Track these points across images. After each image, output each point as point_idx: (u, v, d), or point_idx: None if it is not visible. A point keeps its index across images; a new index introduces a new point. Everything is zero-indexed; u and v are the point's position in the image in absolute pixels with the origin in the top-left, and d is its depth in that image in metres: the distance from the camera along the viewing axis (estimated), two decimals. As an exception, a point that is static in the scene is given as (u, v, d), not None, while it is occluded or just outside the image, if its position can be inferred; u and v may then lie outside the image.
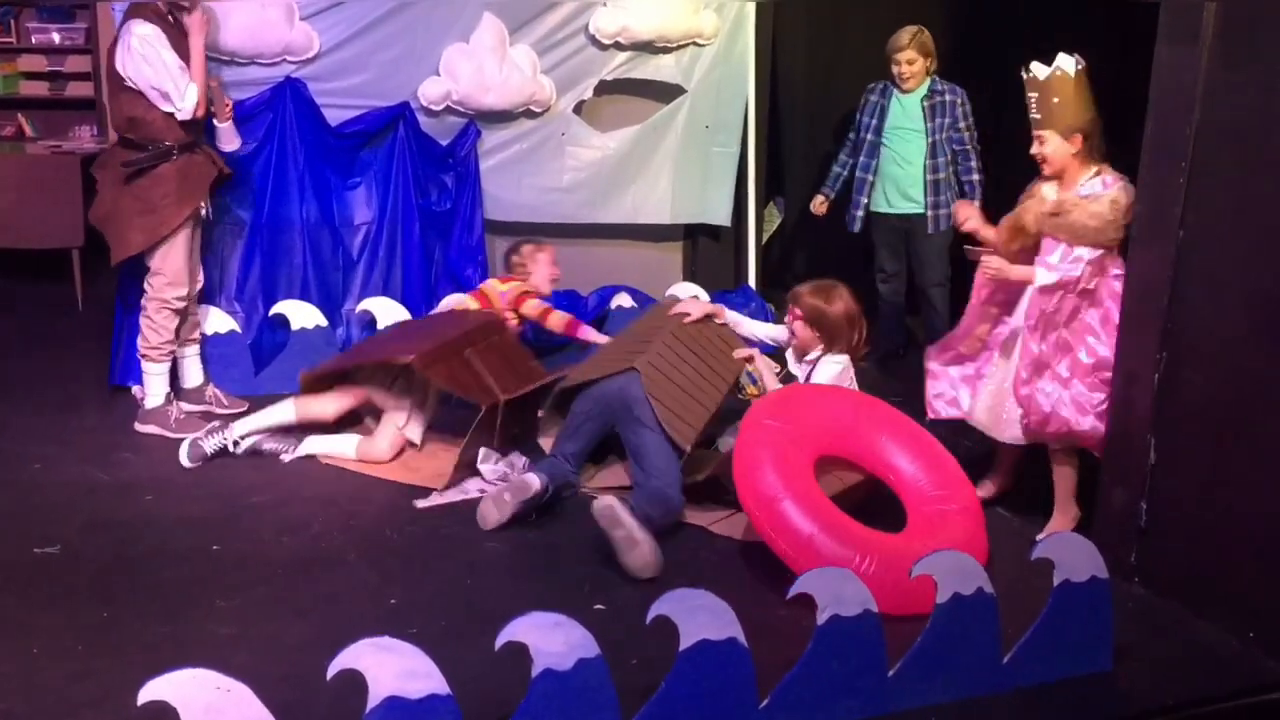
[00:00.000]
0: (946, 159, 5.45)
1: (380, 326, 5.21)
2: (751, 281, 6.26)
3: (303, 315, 5.21)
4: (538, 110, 5.64)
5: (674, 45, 5.83)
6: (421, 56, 5.34)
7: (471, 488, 4.25)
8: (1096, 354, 3.76)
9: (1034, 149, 3.85)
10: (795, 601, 2.80)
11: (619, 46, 5.73)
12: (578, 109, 5.79)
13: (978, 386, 4.10)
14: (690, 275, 6.32)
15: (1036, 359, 3.79)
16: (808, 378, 4.24)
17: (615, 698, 2.61)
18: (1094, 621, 3.11)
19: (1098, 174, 3.79)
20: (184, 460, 4.38)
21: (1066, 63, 3.71)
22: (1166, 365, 3.56)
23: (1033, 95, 3.80)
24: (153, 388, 4.69)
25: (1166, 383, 3.57)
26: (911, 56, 5.35)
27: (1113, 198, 3.71)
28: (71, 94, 7.82)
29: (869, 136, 5.52)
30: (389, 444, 4.44)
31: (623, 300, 5.87)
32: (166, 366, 4.71)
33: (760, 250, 6.37)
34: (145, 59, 4.37)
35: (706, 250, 6.39)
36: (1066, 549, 3.06)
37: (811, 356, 4.28)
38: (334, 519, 4.02)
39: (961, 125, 5.42)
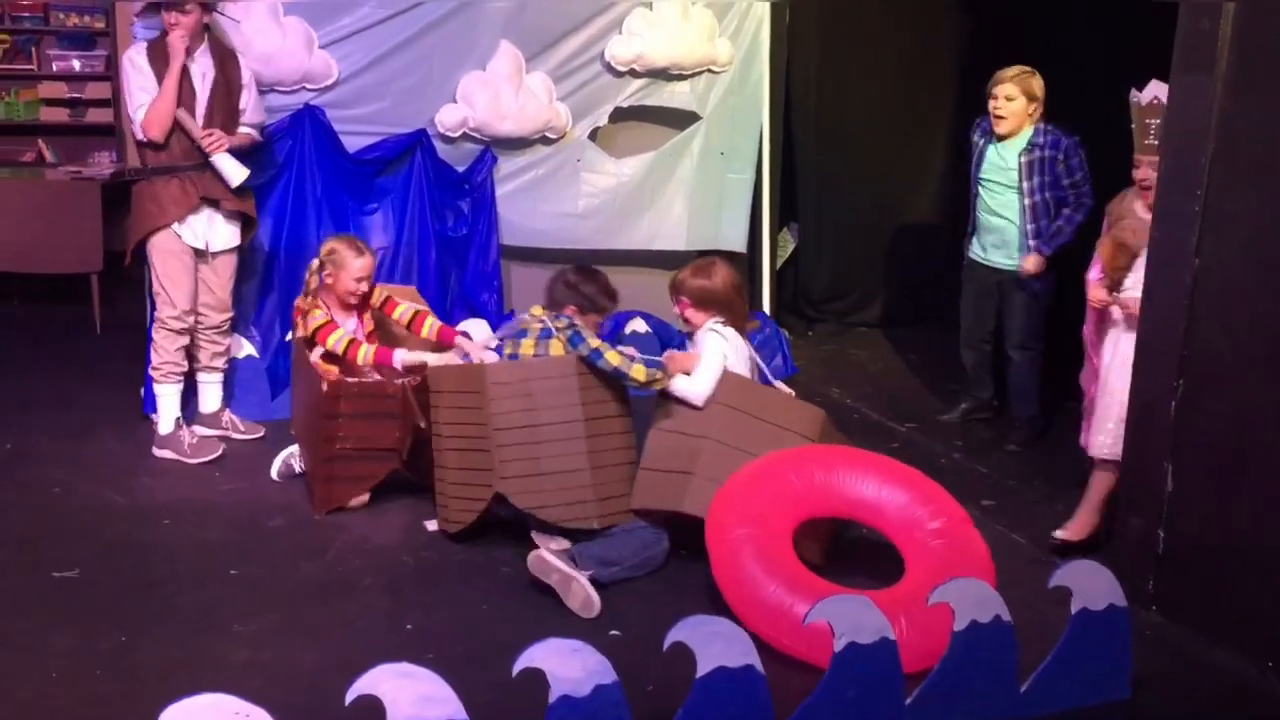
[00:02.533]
0: (1047, 222, 4.85)
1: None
2: (766, 307, 6.27)
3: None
4: (553, 137, 5.68)
5: (689, 73, 5.86)
6: (439, 84, 5.38)
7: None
8: None
9: (1142, 174, 3.88)
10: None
11: (634, 74, 5.77)
12: (593, 136, 5.82)
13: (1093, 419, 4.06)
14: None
15: None
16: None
17: (632, 724, 2.61)
18: (1112, 649, 3.10)
19: None
20: (274, 474, 4.52)
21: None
22: (1183, 393, 3.56)
23: (1153, 121, 3.79)
24: (163, 409, 4.73)
25: (1184, 411, 3.57)
26: (1011, 92, 4.80)
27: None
28: (91, 120, 7.89)
29: (974, 176, 5.08)
30: None
31: (637, 325, 5.88)
32: (175, 389, 4.73)
33: (775, 276, 6.39)
34: (124, 79, 4.56)
35: (721, 276, 6.39)
36: (1085, 576, 3.06)
37: (698, 334, 4.09)
38: (350, 543, 4.03)
39: (1065, 183, 4.82)
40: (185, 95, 4.52)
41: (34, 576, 3.71)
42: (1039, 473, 4.78)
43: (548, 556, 3.65)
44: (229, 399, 5.01)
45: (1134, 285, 3.83)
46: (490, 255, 5.62)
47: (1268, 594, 3.34)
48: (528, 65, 5.51)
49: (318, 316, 4.41)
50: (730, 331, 4.06)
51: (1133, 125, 3.90)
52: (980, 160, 5.01)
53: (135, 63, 4.51)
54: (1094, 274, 4.03)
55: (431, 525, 4.14)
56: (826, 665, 2.83)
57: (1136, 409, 3.72)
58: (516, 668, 2.51)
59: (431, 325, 4.58)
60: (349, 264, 4.44)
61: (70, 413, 5.15)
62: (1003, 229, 4.98)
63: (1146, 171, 3.83)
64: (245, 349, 5.12)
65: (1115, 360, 3.94)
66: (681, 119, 5.99)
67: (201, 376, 4.90)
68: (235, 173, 4.68)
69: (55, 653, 3.26)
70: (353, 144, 5.29)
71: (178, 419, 4.74)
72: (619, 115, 5.87)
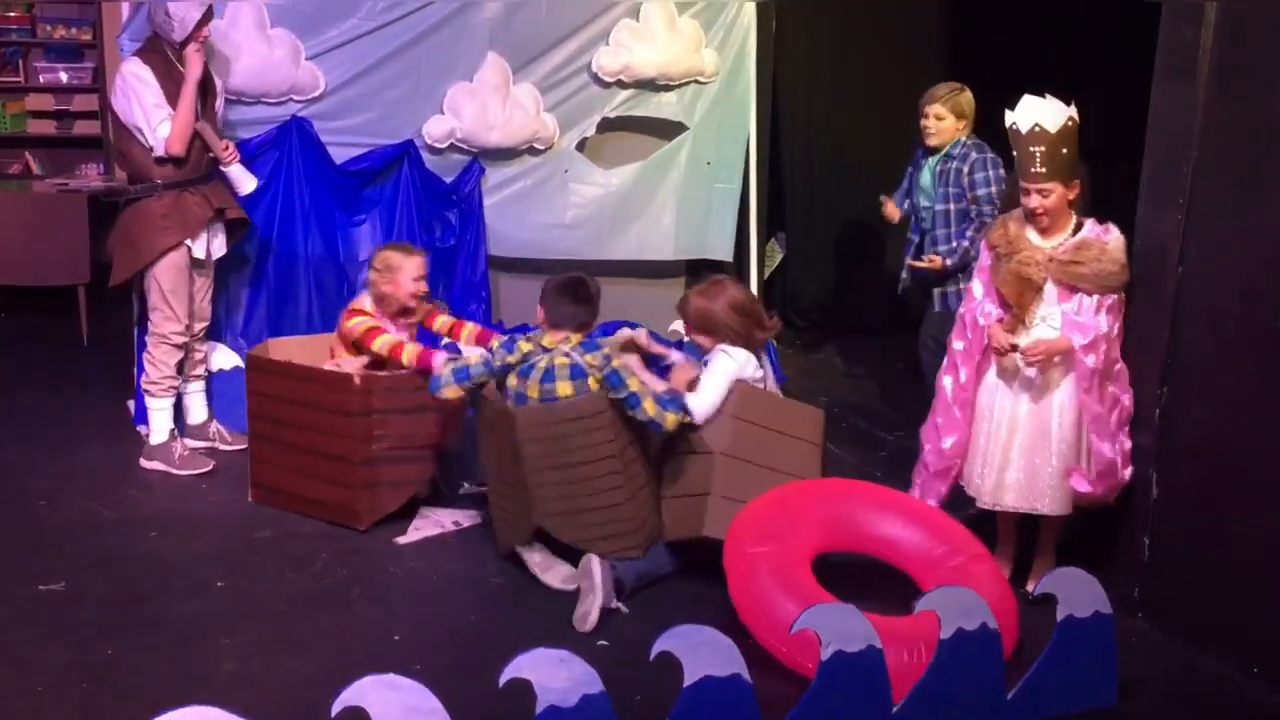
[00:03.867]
0: (950, 232, 4.78)
1: None
2: (754, 316, 6.27)
3: (306, 352, 5.23)
4: (541, 148, 5.68)
5: (676, 83, 5.87)
6: (426, 95, 5.39)
7: (446, 520, 4.29)
8: (1129, 401, 3.69)
9: (1034, 202, 3.61)
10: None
11: (621, 85, 5.77)
12: (580, 146, 5.83)
13: (982, 464, 3.79)
14: (693, 311, 6.33)
15: (1098, 417, 3.61)
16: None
17: (619, 734, 2.62)
18: (1098, 656, 3.11)
19: (1079, 222, 3.67)
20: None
21: (1068, 109, 3.53)
22: (1167, 401, 3.58)
23: (1039, 149, 3.55)
24: (156, 423, 4.71)
25: (1168, 418, 3.58)
26: (941, 112, 4.77)
27: (1118, 239, 3.62)
28: (79, 132, 7.89)
29: (911, 194, 5.04)
30: None
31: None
32: (169, 402, 4.73)
33: (762, 286, 6.40)
34: (126, 95, 4.47)
35: (709, 285, 6.40)
36: (1070, 584, 3.07)
37: (706, 357, 4.10)
38: (337, 555, 4.03)
39: (967, 197, 4.72)
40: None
41: (20, 589, 3.70)
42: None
43: (594, 564, 3.64)
44: (215, 410, 5.00)
45: (1043, 325, 3.65)
46: (478, 266, 5.62)
47: (1253, 600, 3.35)
48: (515, 76, 5.52)
49: (362, 320, 4.32)
50: (740, 352, 4.04)
51: (1014, 151, 3.66)
52: (915, 175, 4.99)
53: (142, 77, 4.44)
54: (993, 313, 3.74)
55: (402, 540, 4.14)
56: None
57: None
58: (503, 678, 2.51)
59: (470, 331, 4.57)
60: (404, 265, 4.37)
61: (57, 425, 5.14)
62: (932, 245, 4.89)
63: (1039, 200, 3.59)
64: (233, 360, 5.11)
65: (1020, 406, 3.70)
66: (669, 129, 6.00)
67: (186, 388, 4.89)
68: (247, 181, 4.74)
69: (42, 666, 3.25)
70: (340, 155, 5.29)
71: (171, 430, 4.73)
72: (606, 126, 5.87)
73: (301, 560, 3.98)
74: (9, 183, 7.41)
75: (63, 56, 7.85)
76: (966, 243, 4.71)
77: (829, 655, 2.80)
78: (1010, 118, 3.61)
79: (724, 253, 6.23)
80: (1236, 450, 3.40)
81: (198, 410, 4.95)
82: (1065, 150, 3.55)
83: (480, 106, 5.42)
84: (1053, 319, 3.64)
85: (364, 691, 2.39)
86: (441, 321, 4.61)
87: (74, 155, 7.85)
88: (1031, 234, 3.69)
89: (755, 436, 3.89)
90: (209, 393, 5.00)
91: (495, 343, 4.02)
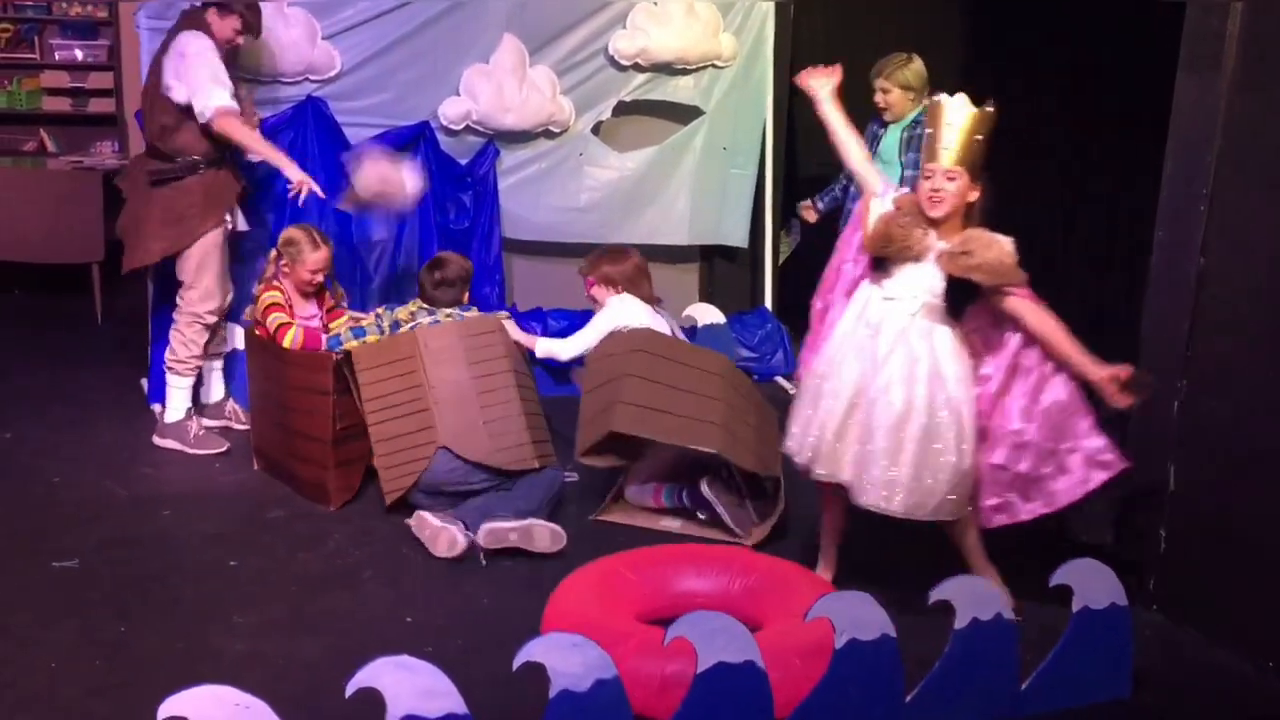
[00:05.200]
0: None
1: None
2: (768, 303, 6.26)
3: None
4: (556, 130, 5.67)
5: (692, 67, 5.85)
6: (442, 77, 5.37)
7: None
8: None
9: (933, 183, 3.37)
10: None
11: (638, 68, 5.76)
12: (596, 129, 5.81)
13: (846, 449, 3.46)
14: (706, 296, 6.32)
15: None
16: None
17: (632, 719, 2.61)
18: (1113, 648, 3.10)
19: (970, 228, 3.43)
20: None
21: (925, 95, 3.41)
22: (1188, 392, 3.55)
23: (949, 124, 3.36)
24: (175, 401, 4.71)
25: (1187, 410, 3.56)
26: (885, 85, 4.89)
27: (1008, 239, 3.38)
28: (93, 110, 7.88)
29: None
30: None
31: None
32: (191, 381, 4.72)
33: (776, 272, 6.38)
34: (186, 63, 4.39)
35: (723, 271, 6.40)
36: (1086, 575, 3.05)
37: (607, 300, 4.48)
38: (350, 535, 4.03)
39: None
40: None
41: (33, 567, 3.70)
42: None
43: (425, 515, 3.91)
44: (231, 390, 5.00)
45: (899, 293, 3.42)
46: (492, 248, 5.62)
47: (1269, 593, 3.34)
48: (531, 58, 5.50)
49: (269, 297, 4.47)
50: (621, 300, 4.44)
51: (929, 130, 3.43)
52: (874, 146, 4.97)
53: (205, 54, 4.38)
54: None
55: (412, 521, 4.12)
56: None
57: (1139, 408, 3.70)
58: (517, 662, 2.50)
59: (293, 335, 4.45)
60: (305, 257, 4.50)
61: (71, 403, 5.15)
62: None
63: (942, 182, 3.36)
64: (247, 340, 5.11)
65: (880, 377, 3.39)
66: (685, 114, 5.98)
67: (207, 365, 4.89)
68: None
69: (55, 644, 3.26)
70: (355, 136, 5.28)
71: (189, 409, 4.73)
72: (622, 109, 5.86)
73: (314, 540, 3.98)
74: (24, 160, 7.41)
75: (78, 34, 7.84)
76: None
77: (843, 644, 2.79)
78: (935, 97, 3.47)
79: (738, 239, 6.22)
80: (1255, 444, 3.38)
81: (215, 389, 4.96)
82: (979, 138, 3.37)
83: (496, 89, 5.40)
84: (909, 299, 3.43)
85: (378, 673, 2.39)
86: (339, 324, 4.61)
87: (89, 133, 7.84)
88: (921, 219, 3.43)
89: (661, 365, 4.09)
90: (227, 372, 5.00)
91: (381, 309, 4.57)
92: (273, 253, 4.59)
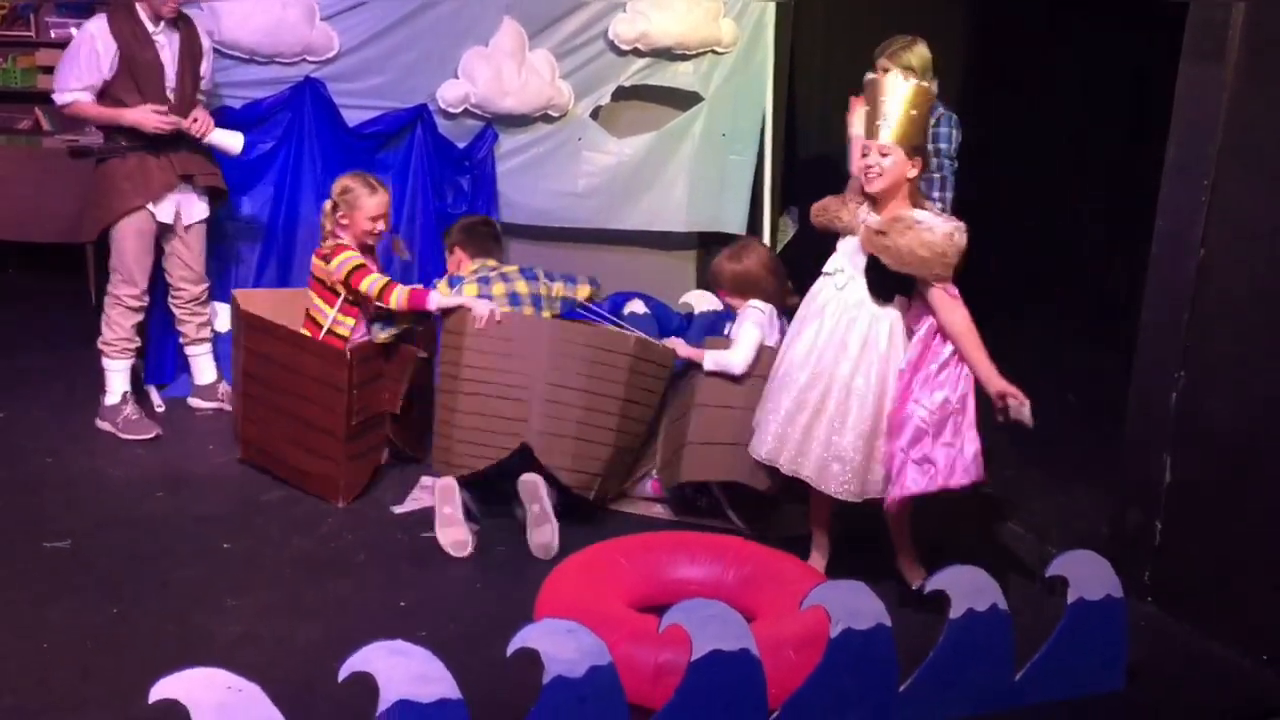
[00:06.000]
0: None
1: None
2: (765, 291, 6.24)
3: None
4: (555, 115, 5.64)
5: (692, 53, 5.82)
6: (440, 59, 5.34)
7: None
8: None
9: (868, 159, 3.40)
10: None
11: (638, 53, 5.72)
12: (595, 114, 5.78)
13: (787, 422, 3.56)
14: (704, 283, 6.30)
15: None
16: (727, 330, 4.34)
17: (626, 706, 2.60)
18: (1108, 640, 3.10)
19: (915, 208, 3.45)
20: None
21: (926, 79, 3.46)
22: (1185, 384, 3.55)
23: (885, 99, 3.37)
24: (110, 384, 4.66)
25: (1184, 402, 3.55)
26: (886, 65, 4.65)
27: (950, 231, 3.34)
28: (89, 89, 7.82)
29: None
30: None
31: (636, 306, 5.84)
32: (126, 364, 4.67)
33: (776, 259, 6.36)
34: (73, 48, 4.37)
35: (720, 258, 6.37)
36: (1082, 566, 3.05)
37: (744, 308, 4.23)
38: (344, 519, 4.02)
39: (929, 148, 4.59)
40: (153, 76, 4.43)
41: (26, 547, 3.69)
42: (1035, 460, 4.75)
43: (540, 488, 3.86)
44: (224, 372, 4.98)
45: (833, 267, 3.56)
46: (490, 233, 5.59)
47: (1264, 587, 3.34)
48: (530, 42, 5.46)
49: (350, 257, 4.18)
50: (768, 305, 4.20)
51: (867, 107, 3.47)
52: None
53: (95, 47, 4.32)
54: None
55: (399, 509, 4.12)
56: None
57: (1136, 400, 3.70)
58: (511, 648, 2.49)
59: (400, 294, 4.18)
60: (363, 202, 4.25)
61: (64, 383, 5.12)
62: None
63: (876, 159, 3.39)
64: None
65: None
66: (684, 99, 5.94)
67: (192, 350, 4.88)
68: (233, 142, 4.62)
69: (47, 625, 3.25)
70: (353, 118, 5.24)
71: (125, 393, 4.68)
72: (621, 94, 5.82)
73: (308, 524, 3.97)
74: (18, 138, 7.36)
75: (74, 12, 7.76)
76: (941, 205, 4.70)
77: (838, 633, 2.78)
78: (869, 75, 3.53)
79: (737, 226, 6.18)
80: (1252, 436, 3.37)
81: (207, 371, 4.93)
82: (914, 113, 3.38)
83: (495, 72, 5.37)
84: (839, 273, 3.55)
85: (371, 658, 2.38)
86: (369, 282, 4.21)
87: (84, 112, 7.78)
88: (864, 211, 3.50)
89: (726, 386, 4.03)
90: (216, 354, 4.97)
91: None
92: (326, 206, 4.31)
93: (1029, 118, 5.43)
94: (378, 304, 4.18)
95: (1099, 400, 3.36)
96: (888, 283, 3.44)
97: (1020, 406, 3.27)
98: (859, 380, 3.45)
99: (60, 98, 4.42)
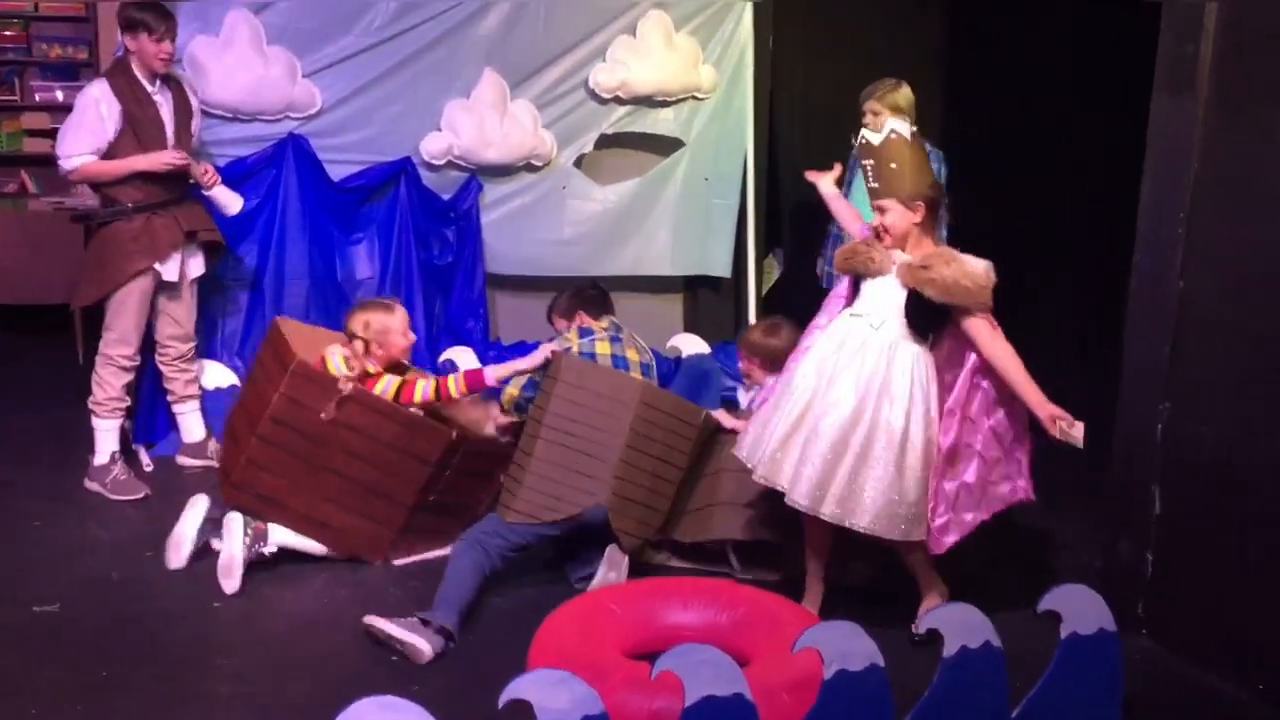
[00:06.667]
0: None
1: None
2: (752, 333, 6.26)
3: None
4: (539, 164, 5.68)
5: (673, 99, 5.88)
6: (423, 112, 5.39)
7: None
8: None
9: (874, 221, 3.59)
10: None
11: (619, 101, 5.78)
12: (578, 163, 5.83)
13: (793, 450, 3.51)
14: (690, 326, 6.32)
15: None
16: (750, 402, 4.30)
17: (620, 756, 2.58)
18: (1103, 674, 3.08)
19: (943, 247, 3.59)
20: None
21: (900, 127, 3.50)
22: (1170, 416, 3.56)
23: (868, 162, 3.56)
24: (99, 444, 4.64)
25: (1171, 433, 3.56)
26: (876, 108, 4.83)
27: (987, 266, 3.47)
28: (75, 151, 7.85)
29: (844, 191, 5.03)
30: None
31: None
32: (115, 424, 4.65)
33: (760, 301, 6.39)
34: (78, 112, 4.40)
35: (706, 301, 6.40)
36: (1074, 600, 3.04)
37: (766, 382, 4.22)
38: (335, 575, 4.00)
39: None
40: (156, 132, 4.48)
41: (14, 611, 3.66)
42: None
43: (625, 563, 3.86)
44: (213, 429, 4.97)
45: (864, 310, 3.58)
46: (476, 283, 5.62)
47: (1258, 617, 3.33)
48: (512, 93, 5.52)
49: (388, 384, 4.04)
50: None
51: (867, 164, 3.59)
52: (855, 169, 4.95)
53: (99, 110, 4.35)
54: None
55: (398, 560, 4.10)
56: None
57: (1123, 432, 3.71)
58: (503, 699, 2.47)
59: (457, 381, 4.11)
60: (392, 325, 4.11)
61: (51, 444, 5.11)
62: None
63: (878, 219, 3.58)
64: (229, 378, 5.09)
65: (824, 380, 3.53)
66: (666, 145, 6.00)
67: (180, 408, 4.87)
68: (234, 202, 4.69)
69: (35, 690, 3.22)
70: (337, 172, 5.29)
71: (114, 454, 4.65)
72: (604, 142, 5.88)
73: (299, 580, 3.95)
74: (5, 201, 7.40)
75: (59, 75, 7.84)
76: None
77: (831, 674, 2.77)
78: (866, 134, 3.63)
79: (722, 269, 6.23)
80: (1240, 466, 3.38)
81: (195, 429, 4.92)
82: (894, 165, 3.49)
83: (478, 123, 5.42)
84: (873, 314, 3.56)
85: (361, 714, 2.35)
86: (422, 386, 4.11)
87: (70, 174, 7.81)
88: (895, 252, 3.59)
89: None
90: (205, 410, 4.96)
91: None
92: (348, 352, 4.07)
93: (1007, 137, 5.46)
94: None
95: (1090, 430, 3.37)
96: (927, 316, 3.51)
97: (1070, 428, 3.31)
98: (913, 426, 3.45)
99: (68, 163, 4.43)
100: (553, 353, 4.01)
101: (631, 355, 4.13)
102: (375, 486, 3.96)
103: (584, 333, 4.17)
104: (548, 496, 3.83)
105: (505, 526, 3.82)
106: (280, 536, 3.96)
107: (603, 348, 4.08)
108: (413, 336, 4.28)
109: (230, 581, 3.80)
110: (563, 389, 3.87)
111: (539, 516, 3.81)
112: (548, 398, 3.91)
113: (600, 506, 3.81)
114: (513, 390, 4.10)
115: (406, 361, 4.33)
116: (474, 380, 4.09)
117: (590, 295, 4.46)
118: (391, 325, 4.12)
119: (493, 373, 4.10)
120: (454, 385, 4.08)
